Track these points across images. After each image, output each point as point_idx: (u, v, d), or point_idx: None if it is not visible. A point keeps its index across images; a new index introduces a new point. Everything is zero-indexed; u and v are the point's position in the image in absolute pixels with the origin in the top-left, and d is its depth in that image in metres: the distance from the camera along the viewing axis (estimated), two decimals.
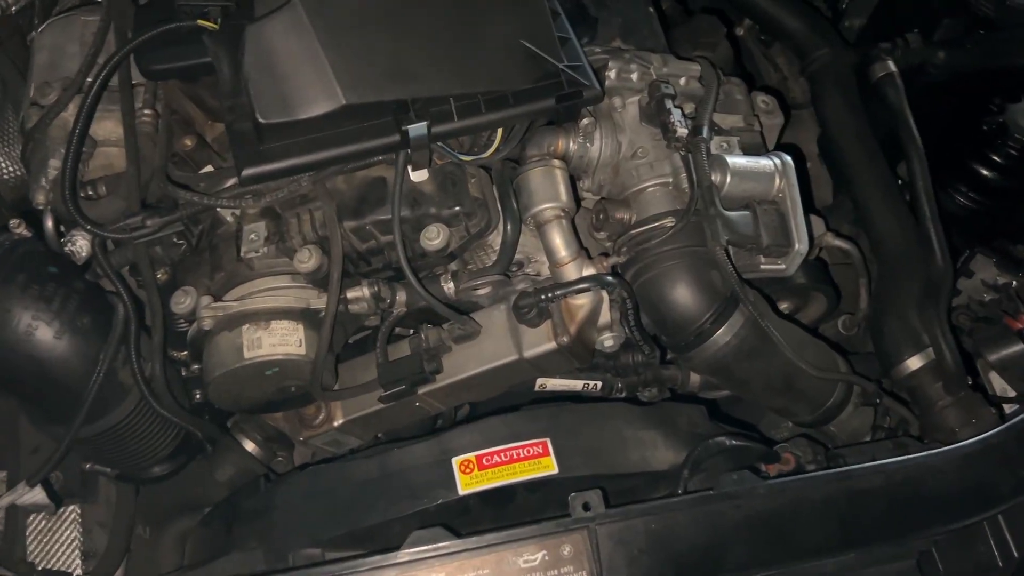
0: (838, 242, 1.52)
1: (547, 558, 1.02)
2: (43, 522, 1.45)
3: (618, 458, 1.18)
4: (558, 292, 1.21)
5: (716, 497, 1.07)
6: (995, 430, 1.21)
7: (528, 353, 1.26)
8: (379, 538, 1.15)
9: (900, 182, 1.58)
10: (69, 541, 1.48)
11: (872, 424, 1.45)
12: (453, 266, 1.30)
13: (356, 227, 1.23)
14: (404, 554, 1.01)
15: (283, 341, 1.19)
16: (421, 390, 1.29)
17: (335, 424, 1.34)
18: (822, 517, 1.08)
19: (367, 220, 1.23)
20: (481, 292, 1.26)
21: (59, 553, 1.46)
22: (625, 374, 1.41)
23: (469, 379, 1.29)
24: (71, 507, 1.46)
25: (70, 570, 1.46)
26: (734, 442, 1.21)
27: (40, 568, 1.43)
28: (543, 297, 1.21)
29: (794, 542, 1.07)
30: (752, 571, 1.06)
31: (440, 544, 1.02)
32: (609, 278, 1.23)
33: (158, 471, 1.40)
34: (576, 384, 1.47)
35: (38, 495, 1.28)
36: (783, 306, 1.56)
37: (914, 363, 1.39)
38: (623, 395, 1.46)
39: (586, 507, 1.04)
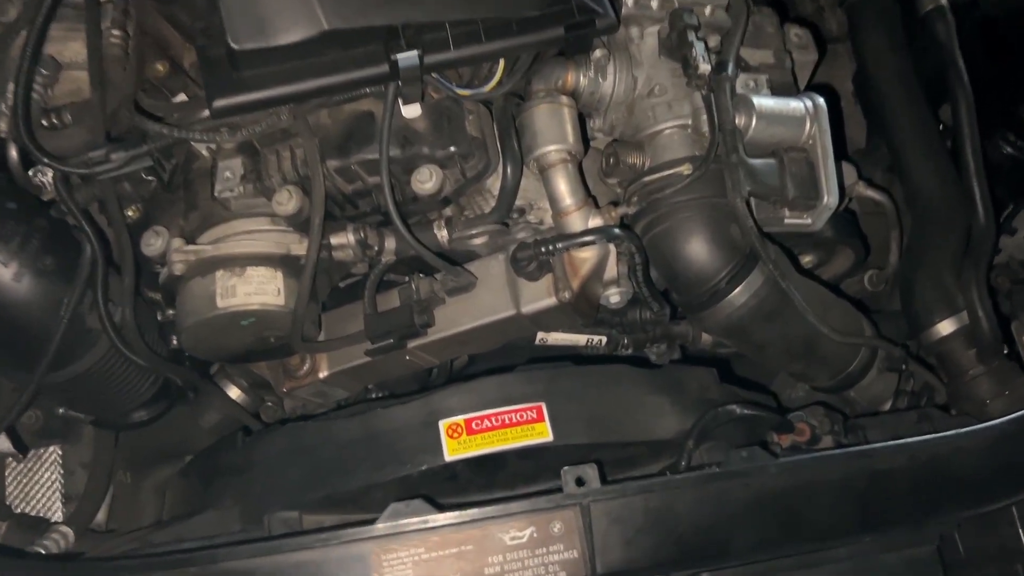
0: (870, 192, 1.40)
1: (535, 535, 0.95)
2: (22, 464, 1.40)
3: (619, 425, 1.09)
4: (560, 244, 1.11)
5: (722, 475, 0.98)
6: None
7: (526, 308, 1.16)
8: (360, 503, 1.08)
9: (942, 127, 1.45)
10: (49, 483, 1.42)
11: (895, 390, 1.35)
12: (447, 212, 1.19)
13: (340, 166, 1.12)
14: (382, 527, 0.94)
15: (259, 290, 1.10)
16: (411, 344, 1.21)
17: (320, 376, 1.26)
18: (838, 498, 1.00)
19: (352, 159, 1.12)
20: (477, 241, 1.15)
21: (39, 495, 1.41)
22: (632, 331, 1.31)
23: (463, 334, 1.20)
24: (51, 448, 1.41)
25: (50, 513, 1.41)
26: (745, 411, 1.11)
27: (18, 511, 1.38)
28: (544, 249, 1.11)
29: (807, 525, 0.99)
30: (760, 555, 0.98)
31: (420, 518, 0.94)
32: (617, 230, 1.12)
33: (137, 417, 1.33)
34: (579, 339, 1.38)
35: (3, 443, 1.22)
36: (805, 260, 1.45)
37: (946, 327, 1.28)
38: (629, 352, 1.37)
39: (579, 482, 0.96)
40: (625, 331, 1.31)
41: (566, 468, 0.97)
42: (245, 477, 1.13)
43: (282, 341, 1.18)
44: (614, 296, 1.19)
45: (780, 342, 1.20)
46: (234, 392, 1.38)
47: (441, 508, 0.95)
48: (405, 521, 0.94)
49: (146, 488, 1.45)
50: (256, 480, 1.12)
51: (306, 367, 1.26)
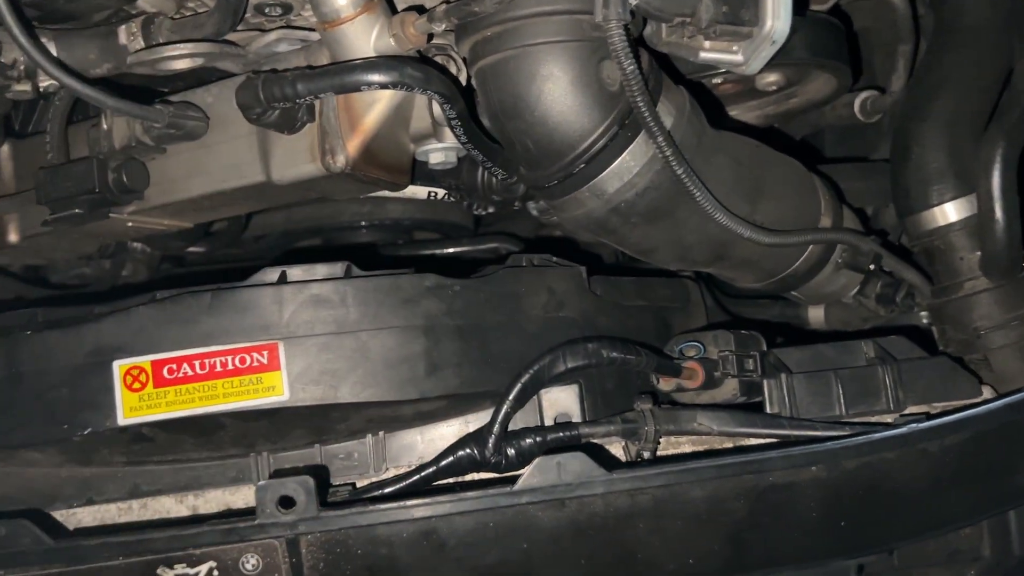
0: None
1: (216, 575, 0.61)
2: None
3: (397, 377, 0.71)
4: (302, 85, 0.66)
5: (518, 497, 0.61)
6: None
7: (279, 175, 0.74)
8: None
9: None
10: None
11: (857, 289, 0.95)
12: (145, 5, 0.72)
13: None
14: None
15: None
16: (125, 211, 0.80)
17: (12, 241, 0.87)
18: (697, 536, 0.64)
19: None
20: (178, 64, 0.70)
21: None
22: (477, 199, 0.89)
23: (198, 200, 0.79)
24: None
25: None
26: (600, 354, 0.72)
27: None
28: (280, 91, 0.66)
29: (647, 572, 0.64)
30: None
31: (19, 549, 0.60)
32: (412, 71, 0.66)
33: None
34: (418, 191, 0.97)
35: None
36: (767, 81, 0.99)
37: (947, 212, 0.87)
38: (486, 211, 0.95)
39: (286, 503, 0.60)
40: (467, 196, 0.89)
41: (263, 483, 0.60)
42: None
43: None
44: (435, 155, 0.77)
45: (674, 247, 0.78)
46: None
47: (58, 537, 0.60)
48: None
49: None
50: None
51: None
